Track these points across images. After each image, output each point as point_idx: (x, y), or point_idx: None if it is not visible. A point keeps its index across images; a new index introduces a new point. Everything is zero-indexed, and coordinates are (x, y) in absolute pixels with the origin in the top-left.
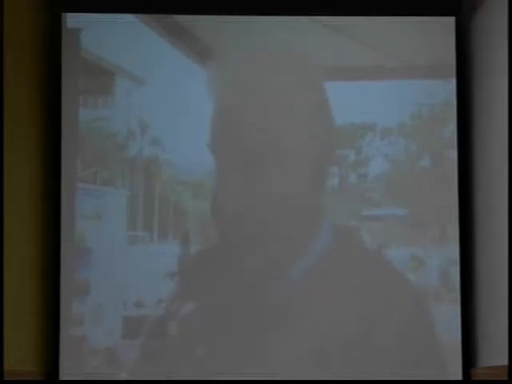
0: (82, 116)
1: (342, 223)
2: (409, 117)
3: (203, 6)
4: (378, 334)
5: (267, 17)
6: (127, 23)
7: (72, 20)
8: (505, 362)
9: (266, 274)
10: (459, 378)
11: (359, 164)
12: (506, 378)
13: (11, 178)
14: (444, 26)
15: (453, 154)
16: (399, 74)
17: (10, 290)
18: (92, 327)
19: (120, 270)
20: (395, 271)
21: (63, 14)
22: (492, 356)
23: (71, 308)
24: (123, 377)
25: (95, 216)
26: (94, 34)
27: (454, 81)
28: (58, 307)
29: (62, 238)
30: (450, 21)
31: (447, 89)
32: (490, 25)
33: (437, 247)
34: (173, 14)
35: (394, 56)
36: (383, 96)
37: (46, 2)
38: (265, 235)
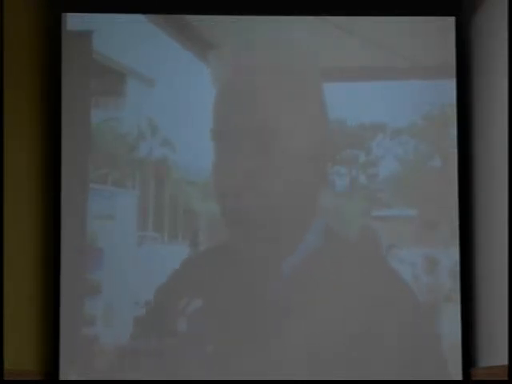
0: (93, 117)
1: (350, 224)
2: (419, 117)
3: (209, 6)
4: (378, 334)
5: (275, 17)
6: (132, 23)
7: (72, 20)
8: (505, 361)
9: (268, 274)
10: (459, 378)
11: (369, 164)
12: (505, 378)
13: (12, 177)
14: (444, 26)
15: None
16: (399, 74)
17: (9, 290)
18: (103, 327)
19: (130, 271)
20: (397, 272)
21: (63, 14)
22: (492, 356)
23: (82, 308)
24: (132, 376)
25: (106, 216)
26: (95, 34)
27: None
28: (58, 307)
29: (62, 238)
30: (450, 21)
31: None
32: (490, 25)
33: (444, 247)
34: (182, 14)
35: (393, 56)
36: (389, 96)
37: (45, 2)
38: (267, 234)
